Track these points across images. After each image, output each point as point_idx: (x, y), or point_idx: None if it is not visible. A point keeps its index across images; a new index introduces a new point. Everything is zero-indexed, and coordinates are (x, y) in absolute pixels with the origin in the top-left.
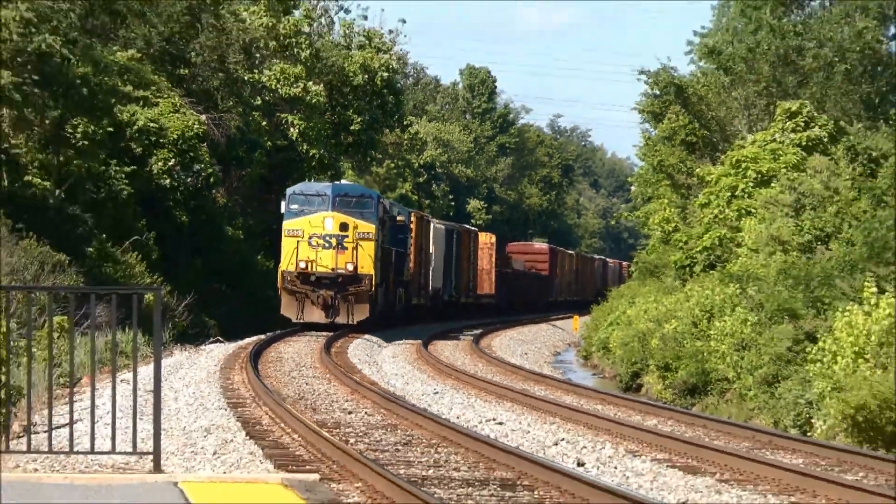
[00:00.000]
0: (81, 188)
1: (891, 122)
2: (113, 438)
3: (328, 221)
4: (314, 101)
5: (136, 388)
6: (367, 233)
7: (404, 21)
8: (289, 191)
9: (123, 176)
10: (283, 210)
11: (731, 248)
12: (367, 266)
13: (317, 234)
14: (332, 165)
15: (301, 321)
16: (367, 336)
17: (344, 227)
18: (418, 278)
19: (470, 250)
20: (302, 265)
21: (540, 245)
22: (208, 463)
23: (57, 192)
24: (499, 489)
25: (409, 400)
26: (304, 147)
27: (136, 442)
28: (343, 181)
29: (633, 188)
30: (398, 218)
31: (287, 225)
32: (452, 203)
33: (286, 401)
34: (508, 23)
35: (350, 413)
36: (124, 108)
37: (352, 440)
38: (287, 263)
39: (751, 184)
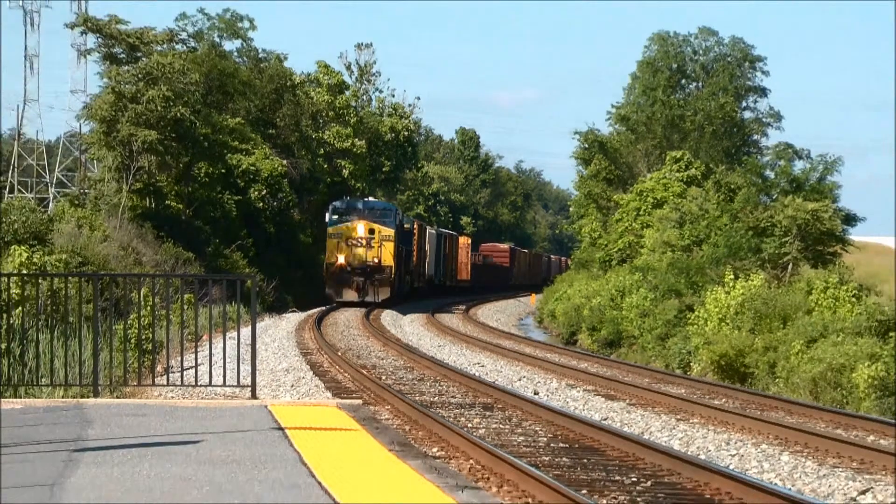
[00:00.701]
0: (203, 209)
1: (741, 166)
2: (224, 376)
3: (360, 227)
4: (358, 151)
5: (239, 343)
6: (388, 235)
7: (419, 98)
8: (331, 205)
9: (232, 201)
10: (327, 219)
11: (637, 249)
12: (388, 260)
13: (352, 236)
14: (369, 194)
15: (340, 300)
16: (389, 310)
17: (371, 231)
18: (419, 268)
19: (453, 249)
20: (341, 259)
21: (503, 245)
22: (287, 393)
23: (187, 211)
24: (481, 409)
25: (421, 350)
26: (352, 182)
27: (239, 378)
28: (370, 198)
29: (571, 209)
30: (406, 226)
31: (330, 230)
32: (451, 219)
33: (339, 351)
34: (490, 99)
35: (382, 359)
36: (232, 156)
37: (383, 377)
38: (330, 258)
39: (649, 206)
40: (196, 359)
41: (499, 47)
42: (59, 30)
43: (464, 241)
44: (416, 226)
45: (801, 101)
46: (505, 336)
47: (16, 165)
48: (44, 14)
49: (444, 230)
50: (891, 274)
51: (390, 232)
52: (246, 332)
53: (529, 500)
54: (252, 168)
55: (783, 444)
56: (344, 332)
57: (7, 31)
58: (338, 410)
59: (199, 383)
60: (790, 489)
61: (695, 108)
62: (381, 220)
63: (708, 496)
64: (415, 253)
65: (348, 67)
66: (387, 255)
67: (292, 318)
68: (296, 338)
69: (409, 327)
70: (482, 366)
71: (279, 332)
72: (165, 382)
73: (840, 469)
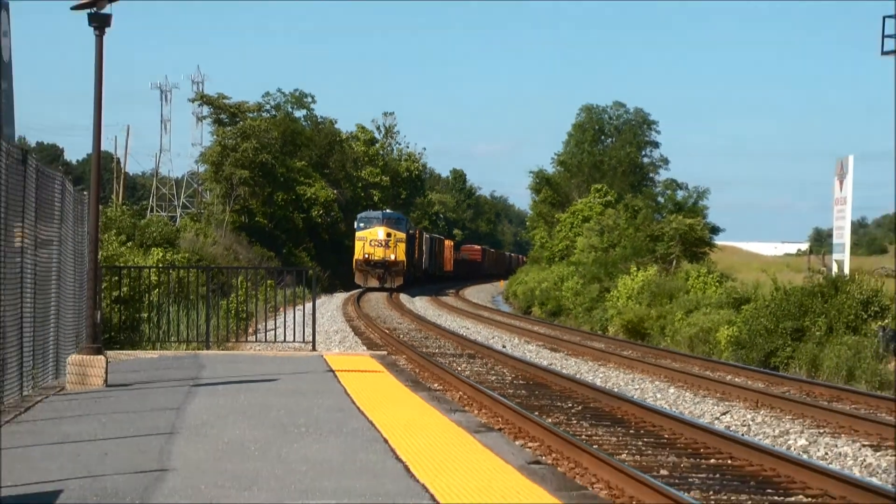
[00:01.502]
0: (280, 223)
1: (642, 194)
2: (294, 335)
3: (380, 232)
4: (384, 184)
5: (304, 313)
6: (401, 238)
7: (425, 148)
8: (359, 215)
9: (299, 218)
10: (355, 226)
11: (571, 250)
12: (400, 256)
13: (374, 238)
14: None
15: (365, 286)
16: (402, 293)
17: (388, 235)
18: (419, 262)
19: (441, 248)
20: (366, 256)
21: (476, 246)
22: (336, 346)
23: (269, 225)
24: (467, 358)
25: (426, 318)
26: (380, 205)
27: (304, 336)
28: (387, 210)
29: (527, 223)
30: (411, 231)
31: (358, 234)
32: (447, 230)
33: (372, 319)
34: (473, 149)
35: (400, 324)
36: (300, 187)
37: (401, 336)
38: (358, 255)
39: (579, 221)
40: (275, 323)
41: (479, 115)
42: (185, 103)
43: (448, 242)
44: (417, 232)
45: (682, 150)
46: (482, 309)
47: (155, 194)
48: (174, 93)
49: (435, 235)
50: (743, 266)
51: (402, 235)
52: (308, 305)
53: (500, 418)
54: (313, 196)
55: (670, 381)
56: (375, 306)
57: (150, 104)
58: (370, 359)
59: (276, 340)
60: (674, 411)
61: (610, 155)
62: (395, 226)
63: (619, 416)
64: (416, 251)
65: (378, 128)
66: (400, 252)
67: (339, 297)
68: (342, 310)
69: (419, 304)
70: (467, 328)
71: (331, 306)
72: (254, 340)
73: (708, 398)
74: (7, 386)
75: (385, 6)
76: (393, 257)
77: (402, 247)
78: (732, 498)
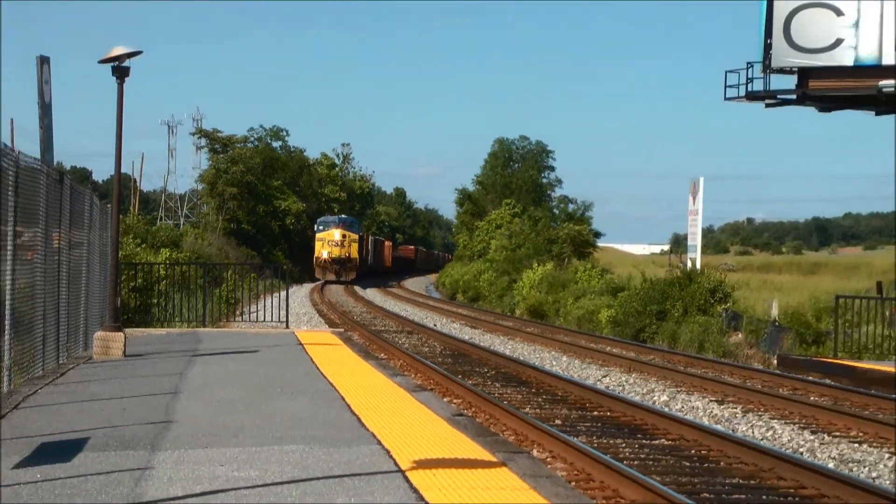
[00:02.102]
0: (261, 229)
1: (541, 207)
2: (271, 316)
3: (336, 233)
4: (342, 199)
5: (279, 299)
6: (354, 239)
7: (374, 171)
8: (318, 220)
9: (276, 225)
10: (315, 228)
11: (487, 250)
12: (354, 254)
13: (331, 239)
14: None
15: (324, 279)
16: (355, 285)
17: (343, 236)
18: (366, 259)
19: (382, 248)
20: (325, 254)
21: (410, 246)
22: (304, 325)
23: (252, 230)
24: (406, 334)
25: (375, 304)
26: (340, 214)
27: (279, 317)
28: (342, 215)
29: (453, 229)
30: (360, 233)
31: (317, 236)
32: (390, 235)
33: (332, 304)
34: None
35: (354, 308)
36: (277, 201)
37: (355, 317)
38: (318, 253)
39: (493, 228)
40: (256, 307)
41: (417, 145)
42: (187, 136)
43: (388, 243)
44: (365, 234)
45: (572, 172)
46: (418, 296)
47: (163, 206)
48: (178, 128)
49: (377, 237)
50: (618, 263)
51: (355, 237)
52: (282, 293)
53: (431, 380)
54: (286, 208)
55: (563, 351)
56: (334, 295)
57: (160, 136)
58: (331, 334)
59: (257, 320)
60: (566, 374)
61: (517, 177)
62: (349, 228)
63: (524, 379)
64: (364, 250)
65: (337, 155)
66: (353, 251)
67: (307, 287)
68: (309, 297)
69: (369, 293)
70: (406, 311)
71: (300, 294)
72: (240, 320)
73: (592, 364)
74: (47, 356)
75: (347, 62)
76: (347, 255)
77: (354, 246)
78: (611, 441)
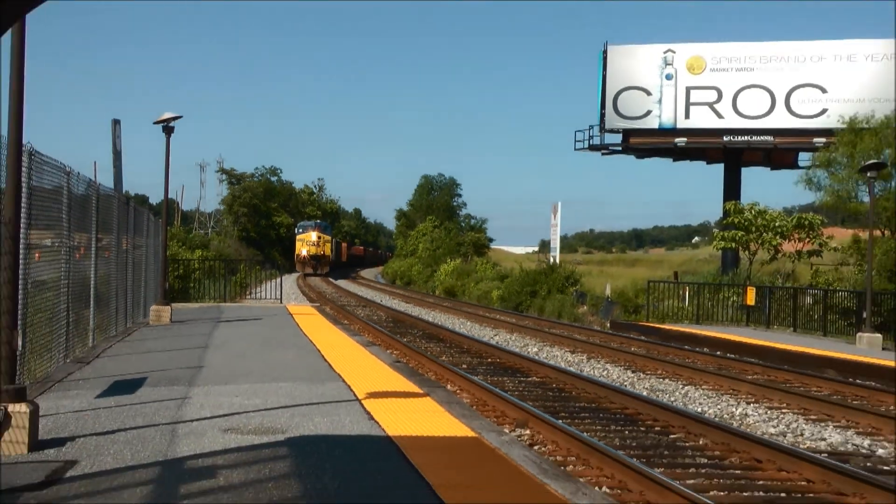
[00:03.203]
0: (264, 236)
1: (452, 222)
2: (271, 295)
3: (313, 235)
4: (318, 216)
5: (275, 284)
6: (327, 239)
7: (340, 196)
8: (298, 224)
9: (274, 234)
10: (295, 231)
11: (417, 250)
12: (328, 252)
13: (309, 240)
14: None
15: (303, 272)
16: (329, 277)
17: (319, 237)
18: (333, 257)
19: (341, 247)
20: (304, 252)
21: (361, 247)
22: (294, 301)
23: (257, 237)
24: (363, 307)
25: (342, 287)
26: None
27: (276, 295)
28: (318, 220)
29: (394, 236)
30: (332, 236)
31: (298, 237)
32: (349, 240)
33: (312, 287)
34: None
35: (327, 290)
36: (274, 217)
37: (327, 296)
38: (298, 251)
39: (420, 235)
40: (261, 289)
41: (371, 177)
42: (213, 171)
43: (344, 244)
44: (331, 236)
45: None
46: (371, 282)
47: (197, 220)
48: (208, 167)
49: (338, 240)
50: (505, 259)
51: (329, 238)
52: (278, 280)
53: (379, 338)
54: (280, 222)
55: (467, 318)
56: (314, 281)
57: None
58: (311, 307)
59: (261, 298)
60: (469, 333)
61: (437, 201)
62: (324, 231)
63: (441, 337)
64: (332, 250)
65: (315, 186)
66: (327, 249)
67: (293, 276)
68: (296, 283)
69: (340, 281)
70: (362, 292)
71: (289, 280)
72: (250, 297)
73: (487, 327)
74: (118, 322)
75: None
76: (322, 253)
77: (328, 245)
78: (500, 378)
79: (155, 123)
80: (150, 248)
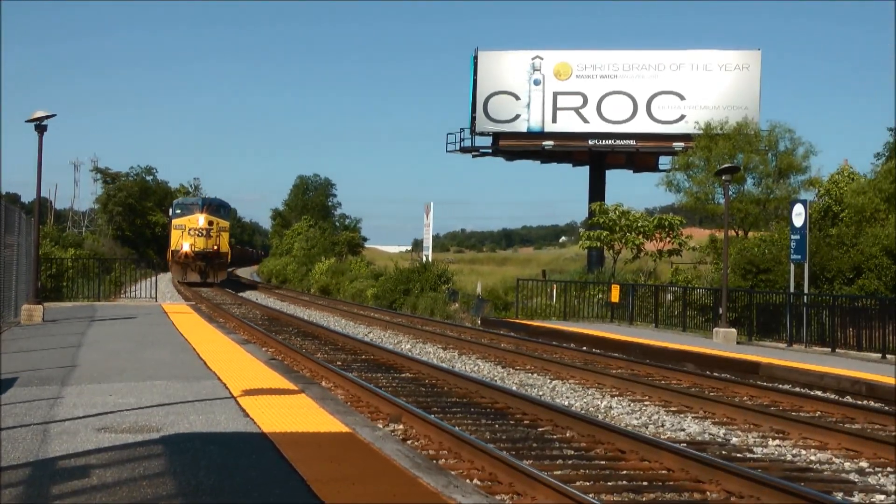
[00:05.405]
0: (139, 235)
1: (326, 221)
2: (146, 293)
3: (201, 218)
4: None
5: (151, 282)
6: (225, 227)
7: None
8: (175, 202)
9: (149, 232)
10: (170, 213)
11: (292, 249)
12: (224, 247)
13: (194, 227)
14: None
15: (183, 280)
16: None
17: (211, 223)
18: (229, 256)
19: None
20: (185, 246)
21: (238, 246)
22: (169, 300)
23: (132, 236)
24: (238, 306)
25: (221, 287)
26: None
27: (151, 294)
28: (208, 197)
29: (269, 236)
30: (228, 223)
31: (174, 222)
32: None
33: (187, 286)
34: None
35: (204, 289)
36: (149, 216)
37: (203, 295)
38: (174, 245)
39: (296, 235)
40: (135, 287)
41: (249, 179)
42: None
43: (231, 240)
44: (229, 222)
45: (350, 196)
46: (247, 281)
47: (70, 219)
48: (82, 166)
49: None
50: (379, 258)
51: (226, 224)
52: (153, 279)
53: (255, 336)
54: (156, 221)
55: (342, 316)
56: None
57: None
58: (186, 306)
59: (136, 297)
60: (344, 331)
61: (312, 201)
62: (216, 213)
63: (316, 335)
64: (227, 243)
65: (191, 186)
66: (224, 243)
67: (169, 274)
68: (171, 281)
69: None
70: (239, 291)
71: (164, 279)
72: (124, 296)
73: (361, 325)
74: None
75: (201, 116)
76: (216, 248)
77: (225, 236)
78: (374, 375)
79: (27, 122)
80: (22, 247)
